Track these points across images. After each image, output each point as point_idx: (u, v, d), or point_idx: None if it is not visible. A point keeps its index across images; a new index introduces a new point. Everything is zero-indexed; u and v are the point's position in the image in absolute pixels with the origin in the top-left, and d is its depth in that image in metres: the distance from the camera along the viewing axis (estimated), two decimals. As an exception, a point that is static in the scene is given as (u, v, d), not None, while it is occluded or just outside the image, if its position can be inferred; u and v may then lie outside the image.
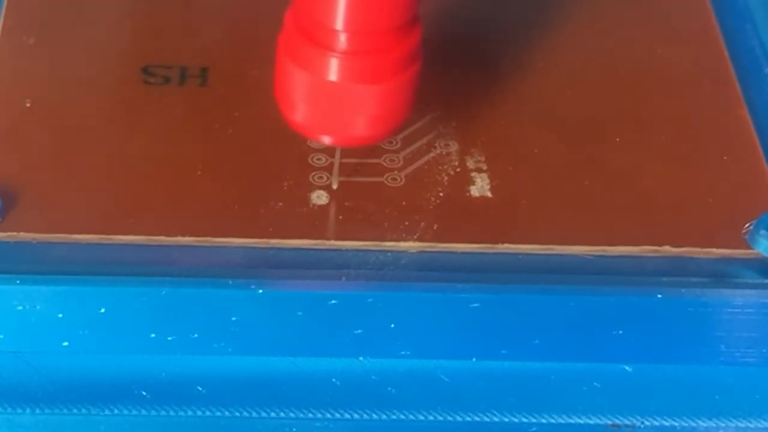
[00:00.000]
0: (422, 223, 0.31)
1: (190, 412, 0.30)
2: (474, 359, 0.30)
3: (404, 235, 0.31)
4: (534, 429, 0.30)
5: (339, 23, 0.28)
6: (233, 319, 0.29)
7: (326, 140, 0.30)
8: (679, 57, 0.35)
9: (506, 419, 0.30)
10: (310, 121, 0.30)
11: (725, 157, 0.33)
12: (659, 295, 0.29)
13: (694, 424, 0.30)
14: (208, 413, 0.30)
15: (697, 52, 0.35)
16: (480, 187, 0.32)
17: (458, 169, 0.32)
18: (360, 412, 0.30)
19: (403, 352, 0.29)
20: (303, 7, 0.28)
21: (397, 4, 0.28)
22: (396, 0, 0.28)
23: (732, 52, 0.35)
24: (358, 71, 0.28)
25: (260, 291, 0.29)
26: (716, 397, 0.30)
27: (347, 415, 0.30)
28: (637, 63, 0.35)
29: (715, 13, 0.36)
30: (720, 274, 0.30)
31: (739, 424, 0.30)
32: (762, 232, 0.30)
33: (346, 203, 0.31)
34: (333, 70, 0.28)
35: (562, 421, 0.30)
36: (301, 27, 0.29)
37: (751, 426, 0.30)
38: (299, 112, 0.30)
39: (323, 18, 0.28)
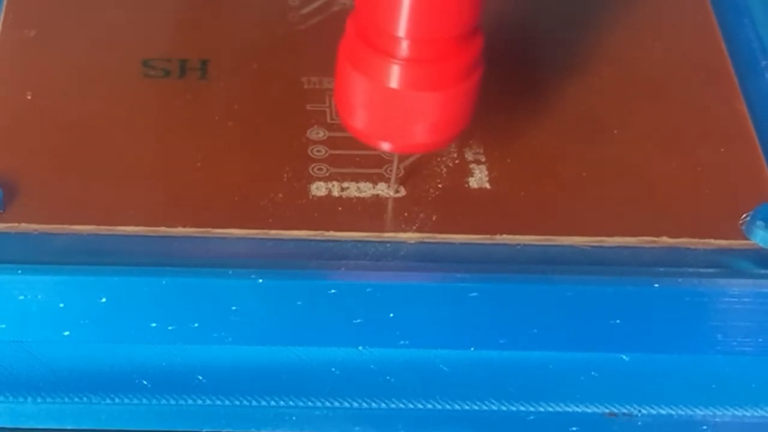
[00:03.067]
0: (421, 215, 0.31)
1: (190, 401, 0.30)
2: (472, 348, 0.30)
3: (403, 226, 0.31)
4: (532, 417, 0.30)
5: (402, 30, 0.28)
6: (233, 308, 0.29)
7: (385, 147, 0.30)
8: (677, 50, 0.35)
9: (504, 408, 0.30)
10: (369, 127, 0.30)
11: (722, 149, 0.33)
12: (656, 285, 0.29)
13: (690, 413, 0.30)
14: (208, 402, 0.30)
15: (694, 46, 0.35)
16: (478, 178, 0.32)
17: (457, 161, 0.32)
18: (359, 400, 0.30)
19: (402, 342, 0.30)
20: (365, 14, 0.29)
21: (461, 12, 0.28)
22: (460, 8, 0.28)
23: (729, 46, 0.35)
24: (419, 78, 0.28)
25: (260, 281, 0.29)
26: (713, 386, 0.30)
27: (346, 404, 0.30)
28: (635, 56, 0.35)
29: (712, 7, 0.36)
30: (717, 265, 0.30)
31: (736, 413, 0.30)
32: (758, 223, 0.31)
33: (345, 195, 0.31)
34: (394, 77, 0.28)
35: (560, 410, 0.30)
36: (363, 34, 0.29)
37: (748, 414, 0.30)
38: (359, 119, 0.30)
39: (386, 25, 0.28)
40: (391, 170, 0.32)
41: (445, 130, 0.30)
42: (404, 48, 0.28)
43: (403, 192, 0.31)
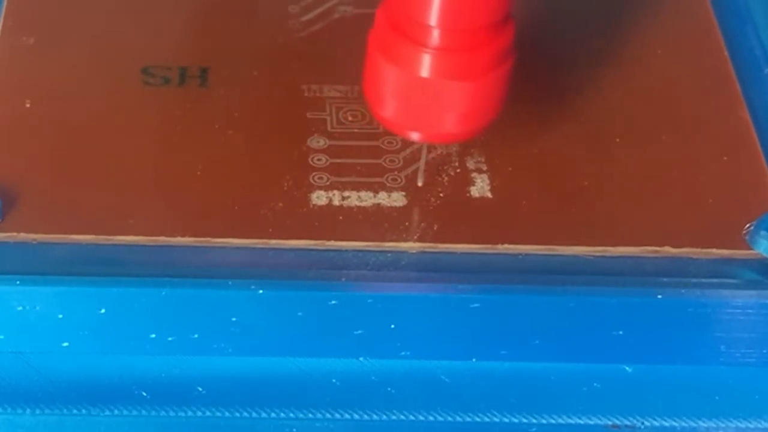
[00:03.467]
0: (422, 224, 0.31)
1: (190, 413, 0.30)
2: (474, 360, 0.30)
3: (404, 235, 0.31)
4: (534, 429, 0.30)
5: (433, 19, 0.28)
6: (233, 319, 0.29)
7: (415, 136, 0.30)
8: (680, 58, 0.35)
9: (506, 419, 0.30)
10: (399, 117, 0.30)
11: (725, 158, 0.33)
12: (659, 296, 0.29)
13: (694, 425, 0.30)
14: (208, 413, 0.30)
15: (697, 53, 0.35)
16: (480, 187, 0.32)
17: (458, 170, 0.32)
18: (360, 412, 0.30)
19: (403, 353, 0.29)
20: (396, 3, 0.28)
21: (493, 1, 0.28)
22: None
23: (732, 53, 0.35)
24: (450, 68, 0.28)
25: (260, 291, 0.29)
26: (716, 397, 0.30)
27: (347, 416, 0.30)
28: (638, 63, 0.35)
29: (715, 14, 0.36)
30: (720, 275, 0.30)
31: (739, 425, 0.30)
32: (762, 232, 0.30)
33: (346, 204, 0.31)
34: (425, 66, 0.28)
35: (562, 422, 0.30)
36: (394, 23, 0.29)
37: (751, 426, 0.30)
38: (389, 108, 0.29)
39: (417, 14, 0.28)
40: (393, 179, 0.32)
41: (475, 119, 0.30)
42: (435, 37, 0.28)
43: (404, 201, 0.31)
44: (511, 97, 0.32)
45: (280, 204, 0.31)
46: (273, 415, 0.30)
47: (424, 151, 0.31)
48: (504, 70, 0.29)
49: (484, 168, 0.32)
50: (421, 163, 0.31)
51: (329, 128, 0.33)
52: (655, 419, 0.30)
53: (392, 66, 0.29)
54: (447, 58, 0.28)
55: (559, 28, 0.35)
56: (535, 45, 0.35)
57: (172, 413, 0.30)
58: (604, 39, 0.35)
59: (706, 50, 0.35)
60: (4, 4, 0.35)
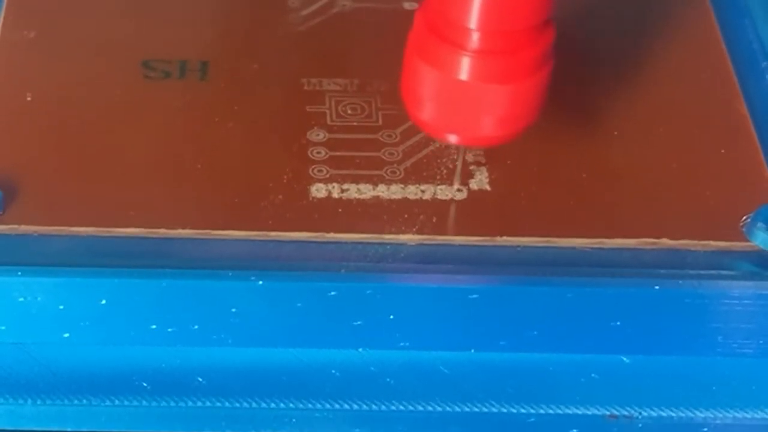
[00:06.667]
0: (421, 216, 0.31)
1: (190, 403, 0.30)
2: (473, 350, 0.30)
3: (403, 227, 0.31)
4: (532, 419, 0.30)
5: (473, 22, 0.28)
6: (233, 310, 0.29)
7: (452, 139, 0.30)
8: (678, 51, 0.35)
9: (505, 410, 0.30)
10: (437, 119, 0.29)
11: (723, 151, 0.33)
12: (657, 287, 0.29)
13: (691, 415, 0.30)
14: (208, 404, 0.30)
15: (695, 47, 0.35)
16: (479, 180, 0.32)
17: (457, 163, 0.32)
18: (359, 402, 0.30)
19: (402, 344, 0.29)
20: (435, 5, 0.28)
21: (534, 4, 0.28)
22: (532, 0, 0.28)
23: (730, 47, 0.35)
24: (490, 71, 0.28)
25: (260, 282, 0.29)
26: (713, 387, 0.30)
27: (347, 406, 0.30)
28: (636, 57, 0.35)
29: (713, 8, 0.36)
30: (718, 267, 0.30)
31: (737, 415, 0.30)
32: (759, 224, 0.31)
33: (345, 196, 0.31)
34: (464, 69, 0.28)
35: (561, 412, 0.30)
36: (433, 26, 0.28)
37: (749, 417, 0.30)
38: (426, 111, 0.29)
39: (457, 17, 0.28)
40: (392, 171, 0.32)
41: (513, 123, 0.29)
42: (475, 40, 0.28)
43: (403, 193, 0.31)
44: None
45: (280, 196, 0.31)
46: (273, 405, 0.30)
47: (461, 155, 0.31)
48: (544, 73, 0.29)
49: (483, 161, 0.32)
50: (458, 166, 0.32)
51: (329, 121, 0.33)
52: (652, 409, 0.30)
53: (430, 69, 0.29)
54: (486, 61, 0.28)
55: (556, 22, 0.35)
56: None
57: (172, 403, 0.30)
58: (602, 35, 0.36)
59: (704, 44, 0.35)
60: (6, -2, 0.35)
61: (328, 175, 0.32)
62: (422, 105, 0.29)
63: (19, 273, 0.29)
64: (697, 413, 0.30)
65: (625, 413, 0.30)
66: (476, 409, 0.30)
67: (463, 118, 0.29)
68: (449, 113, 0.29)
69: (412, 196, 0.31)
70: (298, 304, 0.29)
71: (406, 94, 0.30)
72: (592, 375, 0.30)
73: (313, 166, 0.32)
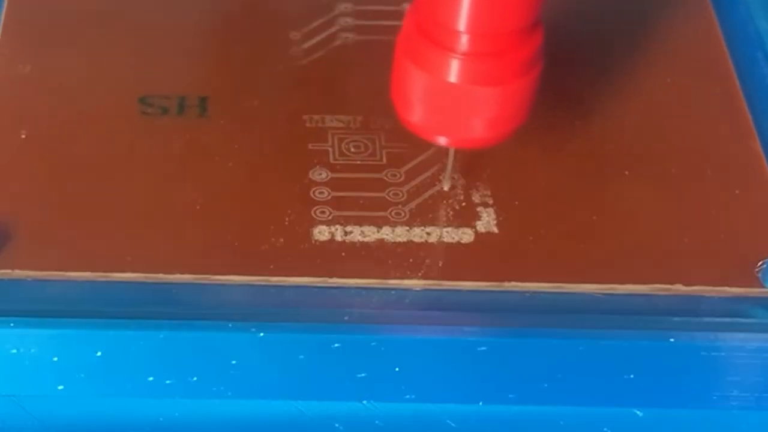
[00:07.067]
0: (427, 260, 0.30)
1: (189, 458, 0.29)
2: (481, 403, 0.29)
3: (408, 272, 0.30)
4: (543, 476, 0.29)
5: (462, 24, 0.27)
6: (233, 362, 0.28)
7: (442, 141, 0.30)
8: (690, 87, 0.34)
9: (514, 465, 0.29)
10: (426, 122, 0.29)
11: (737, 191, 0.32)
12: (671, 339, 0.28)
13: (707, 471, 0.30)
14: (207, 459, 0.29)
15: (707, 82, 0.35)
16: (486, 222, 0.31)
17: (464, 204, 0.31)
18: (363, 457, 0.29)
19: (408, 396, 0.29)
20: (424, 8, 0.28)
21: (522, 6, 0.27)
22: (520, 2, 0.27)
23: (743, 82, 0.34)
24: (479, 73, 0.28)
25: (261, 334, 0.28)
26: (729, 442, 0.30)
27: (351, 461, 0.29)
28: (647, 94, 0.34)
29: (725, 41, 0.35)
30: (733, 314, 0.30)
31: (753, 470, 0.30)
32: (775, 270, 0.30)
33: (349, 239, 0.30)
34: (453, 72, 0.28)
35: (572, 468, 0.29)
36: (422, 28, 0.28)
37: (765, 471, 0.30)
38: (416, 113, 0.29)
39: (446, 19, 0.28)
40: (397, 213, 0.31)
41: (502, 125, 0.29)
42: (464, 42, 0.28)
43: (408, 236, 0.31)
44: (517, 130, 0.32)
45: (282, 240, 0.30)
46: (274, 459, 0.29)
47: (451, 155, 0.31)
48: (532, 75, 0.29)
49: (490, 202, 0.32)
50: (449, 167, 0.31)
51: (331, 160, 0.32)
52: (666, 464, 0.30)
53: (420, 71, 0.28)
54: (475, 63, 0.28)
55: (565, 59, 0.34)
56: (543, 77, 0.34)
57: (170, 458, 0.29)
58: (612, 71, 0.35)
59: (717, 79, 0.35)
60: (0, 31, 0.34)
61: (330, 217, 0.31)
62: (412, 107, 0.29)
63: (12, 324, 0.28)
64: (713, 468, 0.30)
65: (639, 469, 0.30)
66: (485, 465, 0.29)
67: (452, 120, 0.29)
68: (439, 115, 0.29)
69: (417, 239, 0.31)
70: (301, 356, 0.28)
71: (395, 96, 0.30)
72: (604, 429, 0.30)
73: (315, 207, 0.31)
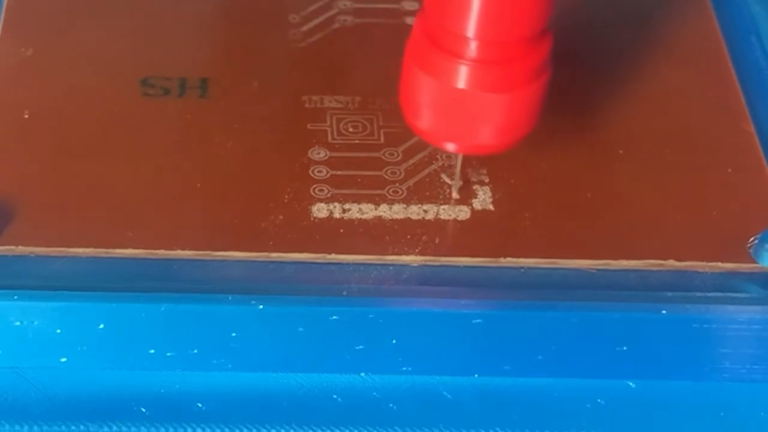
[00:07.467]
0: (424, 237, 0.31)
1: (189, 429, 0.29)
2: (477, 375, 0.29)
3: (406, 248, 0.30)
4: (537, 446, 0.30)
5: (471, 31, 0.28)
6: (233, 335, 0.29)
7: (450, 147, 0.30)
8: (684, 70, 0.35)
9: (509, 436, 0.30)
10: (435, 127, 0.29)
11: (730, 170, 0.32)
12: (664, 312, 0.29)
13: (699, 441, 0.30)
14: (207, 430, 0.29)
15: (701, 65, 0.35)
16: (482, 200, 0.32)
17: (456, 171, 0.32)
18: (361, 428, 0.30)
19: (405, 368, 0.29)
20: (433, 14, 0.28)
21: (532, 14, 0.28)
22: (530, 10, 0.27)
23: (736, 65, 0.35)
24: (487, 80, 0.28)
25: (260, 307, 0.28)
26: (721, 413, 0.30)
27: (348, 432, 0.30)
28: (642, 77, 0.35)
29: (719, 25, 0.36)
30: (725, 289, 0.30)
31: (745, 442, 0.30)
32: (767, 246, 0.30)
33: (347, 216, 0.31)
34: (462, 78, 0.28)
35: (566, 438, 0.30)
36: (431, 34, 0.28)
37: (757, 443, 0.30)
38: (424, 119, 0.29)
39: (455, 26, 0.28)
40: (394, 191, 0.31)
41: (511, 132, 0.29)
42: (473, 49, 0.28)
43: (405, 213, 0.31)
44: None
45: (281, 217, 0.31)
46: (273, 431, 0.29)
47: (459, 162, 0.31)
48: (541, 82, 0.29)
49: (486, 180, 0.32)
50: (457, 175, 0.31)
51: (330, 139, 0.33)
52: (659, 435, 0.30)
53: (428, 77, 0.28)
54: (484, 70, 0.28)
55: (562, 42, 0.35)
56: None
57: (171, 429, 0.29)
58: (608, 53, 0.35)
59: (711, 62, 0.35)
60: (2, 15, 0.35)
61: (329, 195, 0.31)
62: (420, 113, 0.29)
63: (16, 297, 0.28)
64: (705, 439, 0.30)
65: (632, 439, 0.30)
66: (480, 436, 0.30)
67: (460, 127, 0.29)
68: (447, 121, 0.29)
69: (414, 216, 0.31)
70: (300, 329, 0.29)
71: (404, 101, 0.30)
72: (598, 400, 0.30)
73: (314, 186, 0.32)
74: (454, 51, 0.28)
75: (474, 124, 0.29)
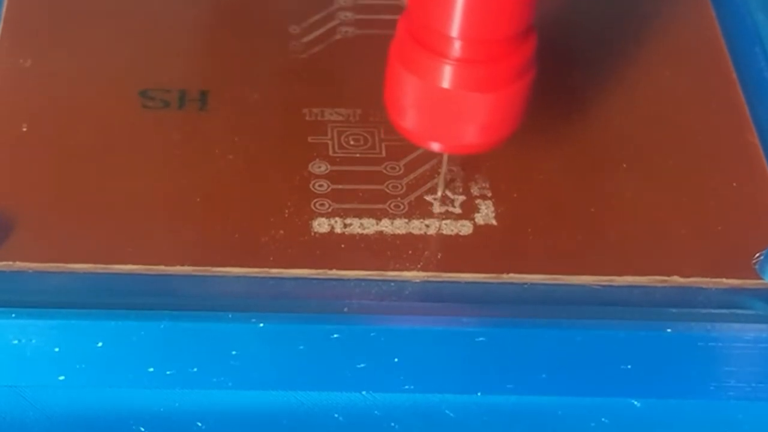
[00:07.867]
0: (426, 252, 0.30)
1: (189, 448, 0.29)
2: (479, 394, 0.29)
3: (408, 264, 0.30)
4: (541, 465, 0.30)
5: (455, 30, 0.27)
6: (233, 353, 0.28)
7: (435, 147, 0.30)
8: (687, 81, 0.35)
9: (512, 455, 0.30)
10: (419, 127, 0.29)
11: (734, 184, 0.32)
12: (668, 330, 0.29)
13: (703, 460, 0.30)
14: (207, 449, 0.29)
15: (705, 76, 0.35)
16: (485, 214, 0.31)
17: (462, 196, 0.32)
18: (363, 448, 0.29)
19: (407, 386, 0.29)
20: (418, 13, 0.28)
21: (515, 13, 0.27)
22: (514, 9, 0.27)
23: (740, 76, 0.35)
24: (472, 79, 0.28)
25: (261, 325, 0.28)
26: (727, 432, 0.30)
27: (350, 452, 0.29)
28: (645, 87, 0.34)
29: (723, 35, 0.36)
30: (730, 305, 0.30)
31: (750, 460, 0.30)
32: (772, 262, 0.30)
33: (348, 231, 0.31)
34: (446, 78, 0.28)
35: (570, 458, 0.30)
36: (415, 34, 0.28)
37: (762, 462, 0.30)
38: (409, 118, 0.29)
39: (439, 25, 0.28)
40: (396, 205, 0.31)
41: (496, 131, 0.29)
42: (456, 48, 0.28)
43: (407, 228, 0.31)
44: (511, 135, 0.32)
45: (281, 232, 0.31)
46: (274, 450, 0.29)
47: (445, 161, 0.31)
48: (525, 81, 0.29)
49: (489, 194, 0.32)
50: (442, 174, 0.31)
51: (331, 153, 0.32)
52: (664, 454, 0.30)
53: (413, 77, 0.28)
54: (468, 69, 0.28)
55: (564, 51, 0.35)
56: (540, 70, 0.34)
57: (170, 448, 0.29)
58: (610, 63, 0.35)
59: (715, 73, 0.35)
60: (1, 26, 0.34)
61: (330, 209, 0.31)
62: (405, 112, 0.29)
63: (14, 315, 0.28)
64: (710, 458, 0.30)
65: (636, 459, 0.30)
66: (483, 455, 0.30)
67: (445, 126, 0.29)
68: (431, 121, 0.29)
69: (416, 231, 0.31)
70: (300, 347, 0.28)
71: (388, 101, 0.30)
72: (602, 419, 0.30)
73: (315, 200, 0.31)
74: (438, 50, 0.28)
75: (458, 124, 0.29)
